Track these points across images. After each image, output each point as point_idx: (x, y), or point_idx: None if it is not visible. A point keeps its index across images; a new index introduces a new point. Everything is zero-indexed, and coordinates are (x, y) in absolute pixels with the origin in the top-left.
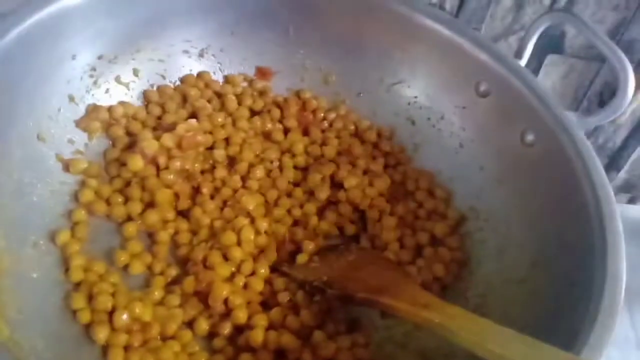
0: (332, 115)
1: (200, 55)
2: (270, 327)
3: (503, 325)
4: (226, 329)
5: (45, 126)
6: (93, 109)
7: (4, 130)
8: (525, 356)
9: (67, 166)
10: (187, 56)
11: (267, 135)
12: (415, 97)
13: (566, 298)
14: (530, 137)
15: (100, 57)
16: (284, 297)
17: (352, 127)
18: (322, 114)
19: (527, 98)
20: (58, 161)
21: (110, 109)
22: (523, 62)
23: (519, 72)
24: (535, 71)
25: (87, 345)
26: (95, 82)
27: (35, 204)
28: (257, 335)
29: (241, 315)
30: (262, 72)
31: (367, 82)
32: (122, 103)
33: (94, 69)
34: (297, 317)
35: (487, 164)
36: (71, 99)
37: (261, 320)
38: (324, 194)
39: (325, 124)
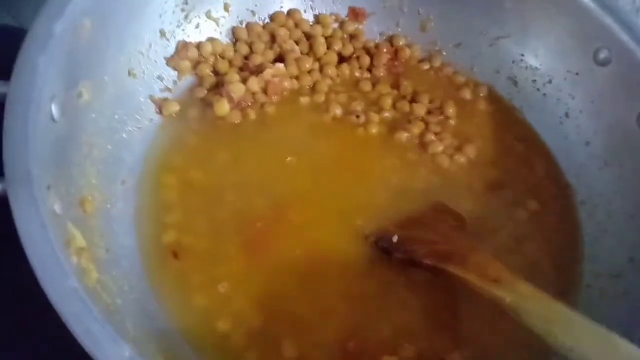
0: (425, 67)
1: None
2: None
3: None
4: None
5: (136, 62)
6: (183, 47)
7: (98, 66)
8: (598, 354)
9: (160, 108)
10: None
11: (354, 84)
12: (522, 55)
13: None
14: None
15: None
16: None
17: (446, 82)
18: (414, 64)
19: None
20: (151, 102)
21: (199, 46)
22: None
23: None
24: None
25: None
26: (186, 17)
27: (125, 141)
28: None
29: None
30: (355, 13)
31: (469, 32)
32: (210, 40)
33: (185, 3)
34: None
35: (594, 140)
36: (162, 34)
37: None
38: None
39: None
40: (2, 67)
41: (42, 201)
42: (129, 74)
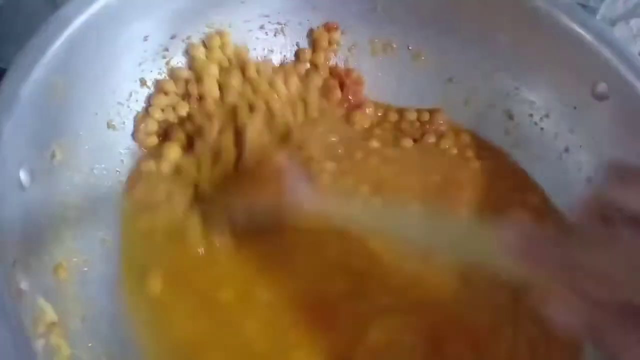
0: None
1: (277, 32)
2: None
3: None
4: None
5: (115, 113)
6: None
7: (73, 122)
8: None
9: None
10: (263, 33)
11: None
12: (517, 88)
13: None
14: None
15: (173, 37)
16: None
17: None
18: None
19: None
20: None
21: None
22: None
23: None
24: None
25: None
26: (167, 63)
27: (104, 196)
28: None
29: None
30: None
31: (461, 66)
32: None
33: (166, 49)
34: None
35: (597, 177)
36: (143, 82)
37: None
38: None
39: None
40: None
41: (5, 284)
42: (108, 126)
